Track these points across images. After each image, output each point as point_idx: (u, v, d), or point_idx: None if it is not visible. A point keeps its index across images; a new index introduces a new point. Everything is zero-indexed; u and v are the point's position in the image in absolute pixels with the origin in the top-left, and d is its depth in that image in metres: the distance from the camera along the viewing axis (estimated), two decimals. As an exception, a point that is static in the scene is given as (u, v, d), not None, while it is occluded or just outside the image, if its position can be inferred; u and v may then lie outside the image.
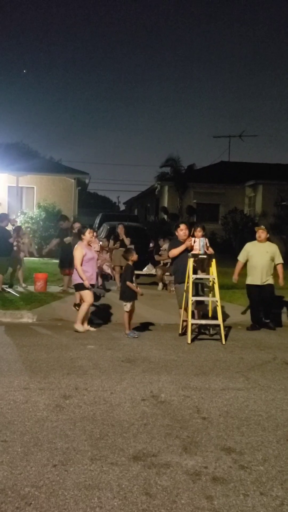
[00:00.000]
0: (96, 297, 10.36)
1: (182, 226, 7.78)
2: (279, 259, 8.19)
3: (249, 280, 8.22)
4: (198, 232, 7.60)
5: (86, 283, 7.42)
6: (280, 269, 8.19)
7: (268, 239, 8.40)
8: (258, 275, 8.09)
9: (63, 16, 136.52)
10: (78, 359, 5.90)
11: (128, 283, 7.27)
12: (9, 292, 10.15)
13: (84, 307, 7.51)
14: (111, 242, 12.25)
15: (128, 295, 7.29)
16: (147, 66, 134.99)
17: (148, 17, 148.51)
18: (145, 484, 3.06)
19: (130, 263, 7.47)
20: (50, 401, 4.44)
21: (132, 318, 7.44)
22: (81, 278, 7.42)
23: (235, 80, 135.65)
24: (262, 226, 8.60)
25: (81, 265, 7.44)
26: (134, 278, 7.44)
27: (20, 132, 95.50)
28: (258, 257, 8.14)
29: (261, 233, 8.24)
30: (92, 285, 7.63)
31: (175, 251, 7.60)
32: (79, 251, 7.53)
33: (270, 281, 8.11)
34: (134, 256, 7.49)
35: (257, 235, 8.29)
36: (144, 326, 7.98)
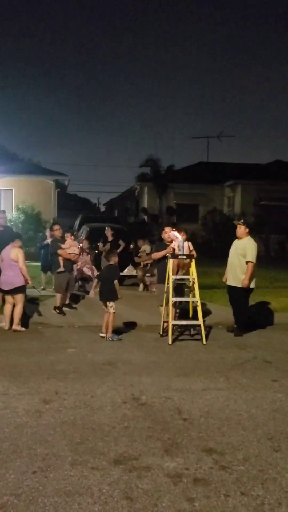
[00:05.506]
0: (76, 298, 10.34)
1: (167, 229, 7.96)
2: (248, 257, 7.51)
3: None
4: (182, 236, 7.63)
5: (30, 282, 8.00)
6: (248, 268, 7.49)
7: (252, 236, 7.86)
8: (229, 274, 7.79)
9: (34, 14, 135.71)
10: (58, 363, 5.84)
11: (116, 282, 7.21)
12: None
13: (21, 310, 7.70)
14: (101, 245, 12.37)
15: (114, 295, 7.22)
16: (125, 67, 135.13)
17: (126, 15, 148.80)
18: (126, 488, 3.04)
19: (112, 263, 7.46)
20: (29, 406, 4.39)
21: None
22: (26, 279, 7.78)
23: (213, 81, 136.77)
24: (241, 220, 8.11)
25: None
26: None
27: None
28: (230, 254, 7.85)
29: (238, 228, 7.77)
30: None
31: (157, 255, 7.91)
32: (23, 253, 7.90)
33: (240, 283, 7.56)
34: (116, 258, 7.50)
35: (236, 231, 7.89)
36: (125, 328, 7.95)
